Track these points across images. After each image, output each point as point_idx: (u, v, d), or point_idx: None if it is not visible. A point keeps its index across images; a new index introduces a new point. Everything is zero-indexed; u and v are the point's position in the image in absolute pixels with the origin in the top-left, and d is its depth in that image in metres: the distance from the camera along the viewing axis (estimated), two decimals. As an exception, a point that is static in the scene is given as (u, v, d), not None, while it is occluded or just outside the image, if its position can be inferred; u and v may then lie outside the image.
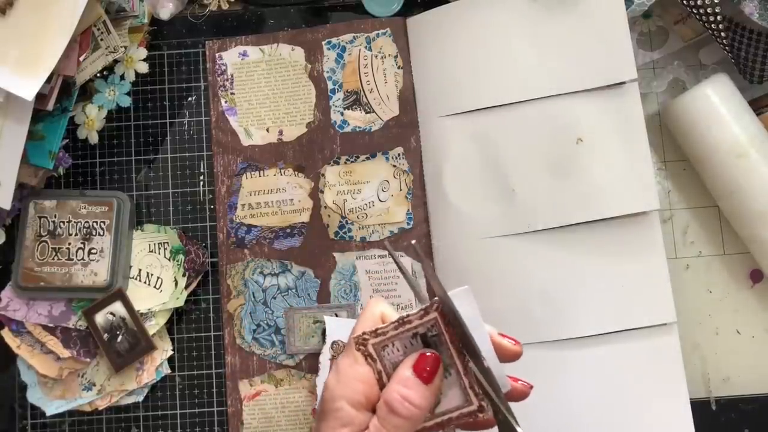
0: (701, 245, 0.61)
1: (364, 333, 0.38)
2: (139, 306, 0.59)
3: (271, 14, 0.64)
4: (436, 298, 0.37)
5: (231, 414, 0.60)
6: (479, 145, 0.59)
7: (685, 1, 0.55)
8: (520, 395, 0.39)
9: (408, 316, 0.37)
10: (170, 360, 0.61)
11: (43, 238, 0.59)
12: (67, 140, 0.61)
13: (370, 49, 0.62)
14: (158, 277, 0.60)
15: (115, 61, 0.60)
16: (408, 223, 0.61)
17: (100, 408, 0.60)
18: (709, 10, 0.54)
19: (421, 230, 0.60)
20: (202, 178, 0.63)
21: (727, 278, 0.60)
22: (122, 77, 0.61)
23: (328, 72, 0.63)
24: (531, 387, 0.40)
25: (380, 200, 0.61)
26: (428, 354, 0.37)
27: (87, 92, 0.61)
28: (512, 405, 0.37)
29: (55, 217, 0.59)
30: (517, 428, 0.35)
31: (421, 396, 0.36)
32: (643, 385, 0.55)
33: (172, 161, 0.63)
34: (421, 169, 0.61)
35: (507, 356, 0.39)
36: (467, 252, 0.58)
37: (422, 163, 0.61)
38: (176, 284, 0.60)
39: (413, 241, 0.37)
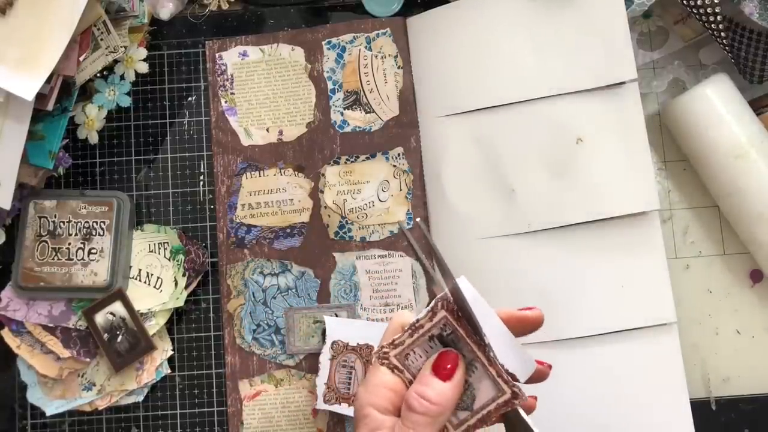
0: (701, 245, 0.61)
1: (383, 346, 0.38)
2: (139, 306, 0.59)
3: (271, 14, 0.64)
4: (439, 296, 0.38)
5: (231, 414, 0.60)
6: (479, 145, 0.58)
7: (685, 1, 0.55)
8: (541, 375, 0.40)
9: (418, 321, 0.38)
10: (170, 360, 0.61)
11: (43, 238, 0.59)
12: (67, 140, 0.61)
13: (370, 49, 0.62)
14: (158, 277, 0.60)
15: (115, 61, 0.60)
16: (408, 223, 0.61)
17: (100, 408, 0.60)
18: (709, 10, 0.54)
19: (421, 230, 0.60)
20: (202, 178, 0.63)
21: (727, 278, 0.60)
22: (122, 77, 0.61)
23: (328, 72, 0.63)
24: (550, 366, 0.40)
25: (380, 200, 0.61)
26: (447, 352, 0.37)
27: (87, 92, 0.61)
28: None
29: (55, 217, 0.59)
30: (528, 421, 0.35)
31: (436, 391, 0.36)
32: (643, 385, 0.55)
33: (172, 161, 0.63)
34: (421, 169, 0.61)
35: (531, 324, 0.40)
36: (467, 252, 0.58)
37: (422, 163, 0.61)
38: (176, 284, 0.60)
39: (418, 219, 0.37)
